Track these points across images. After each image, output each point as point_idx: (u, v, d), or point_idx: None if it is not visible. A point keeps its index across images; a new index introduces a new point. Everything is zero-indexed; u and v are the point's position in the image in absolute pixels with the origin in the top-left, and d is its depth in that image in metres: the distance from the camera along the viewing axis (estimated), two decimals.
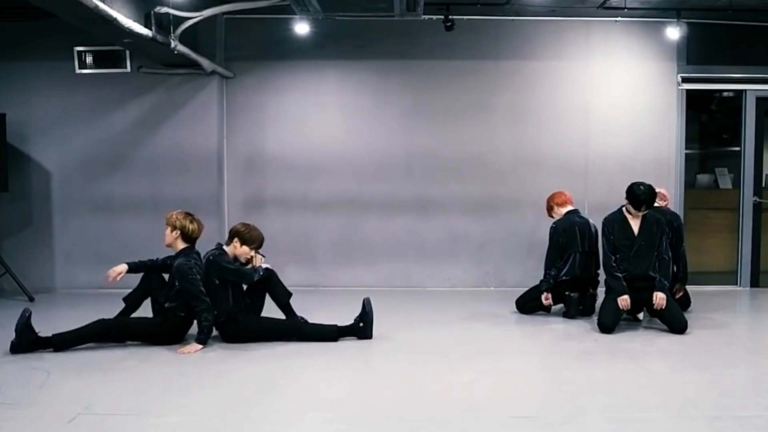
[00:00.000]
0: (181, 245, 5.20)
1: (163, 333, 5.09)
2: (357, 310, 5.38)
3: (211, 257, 5.19)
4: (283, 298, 5.43)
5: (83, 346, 4.98)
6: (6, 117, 6.94)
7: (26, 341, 4.83)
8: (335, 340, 5.23)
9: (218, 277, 5.14)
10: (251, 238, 5.28)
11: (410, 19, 7.08)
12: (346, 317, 5.38)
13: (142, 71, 7.38)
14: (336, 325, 5.29)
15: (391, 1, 5.95)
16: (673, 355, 5.03)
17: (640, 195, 5.65)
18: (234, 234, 5.30)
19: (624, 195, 5.80)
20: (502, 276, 7.70)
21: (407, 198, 7.68)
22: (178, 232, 5.18)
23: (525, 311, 6.31)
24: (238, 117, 7.65)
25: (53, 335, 4.91)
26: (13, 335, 4.85)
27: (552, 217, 6.38)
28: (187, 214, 5.24)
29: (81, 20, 5.42)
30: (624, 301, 5.61)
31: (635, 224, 5.76)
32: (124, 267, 5.24)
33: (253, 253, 5.31)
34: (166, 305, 5.11)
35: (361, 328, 5.29)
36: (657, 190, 5.85)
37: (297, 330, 5.26)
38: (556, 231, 6.19)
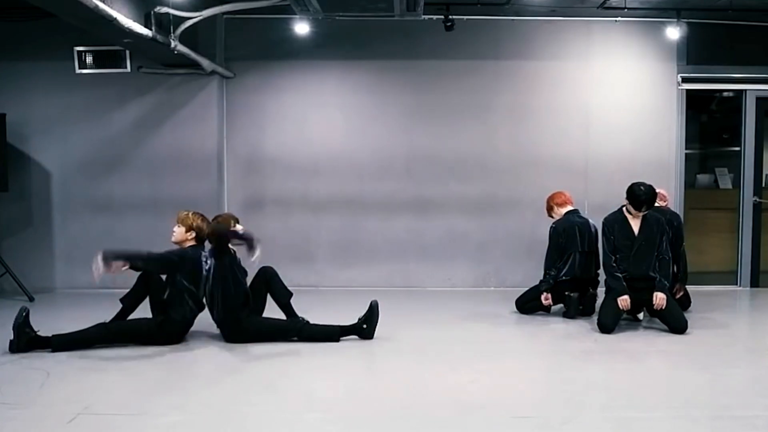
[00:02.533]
0: (190, 244, 5.25)
1: (164, 332, 5.08)
2: (357, 310, 5.38)
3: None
4: (283, 297, 5.45)
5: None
6: (6, 117, 6.94)
7: (24, 340, 4.83)
8: (337, 340, 5.23)
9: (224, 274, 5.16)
10: (222, 225, 5.34)
11: (410, 19, 7.08)
12: (346, 317, 5.37)
13: (142, 71, 7.38)
14: (339, 326, 5.29)
15: (391, 1, 5.95)
16: (673, 355, 5.03)
17: (640, 195, 5.64)
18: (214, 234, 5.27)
19: (624, 195, 5.80)
20: (502, 276, 7.70)
21: (407, 198, 7.68)
22: (194, 233, 5.23)
23: (525, 311, 6.31)
24: (238, 117, 7.65)
25: (53, 336, 4.90)
26: (13, 335, 4.85)
27: (552, 217, 6.38)
28: (201, 216, 5.31)
29: (81, 20, 5.42)
30: (624, 301, 5.61)
31: (635, 224, 5.76)
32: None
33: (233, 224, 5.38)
34: (165, 297, 5.13)
35: (365, 329, 5.28)
36: (657, 191, 5.85)
37: (299, 330, 5.26)
38: (555, 231, 6.19)
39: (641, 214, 5.74)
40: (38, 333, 4.89)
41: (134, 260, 5.00)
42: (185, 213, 5.30)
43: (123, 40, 6.18)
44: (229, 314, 5.15)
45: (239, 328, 5.17)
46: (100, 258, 4.74)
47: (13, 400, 3.88)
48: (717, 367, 4.62)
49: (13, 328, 4.84)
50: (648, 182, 5.75)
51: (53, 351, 4.85)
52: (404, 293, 7.36)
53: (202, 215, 5.34)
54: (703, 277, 7.60)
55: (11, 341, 4.85)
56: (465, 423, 3.60)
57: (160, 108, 7.46)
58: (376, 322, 5.30)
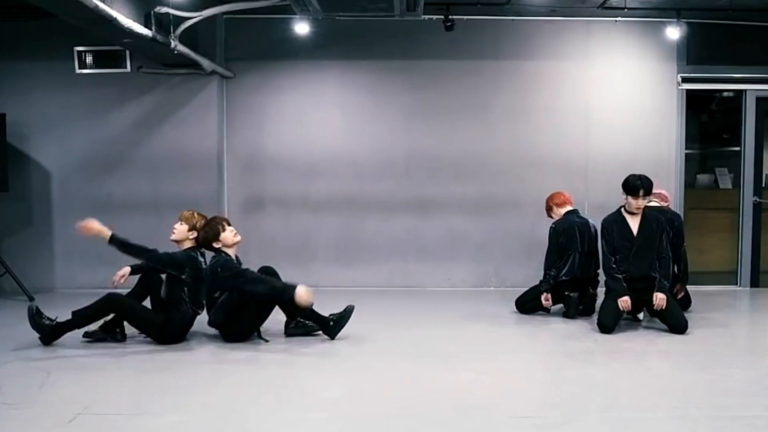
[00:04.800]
0: (189, 244, 5.26)
1: (165, 332, 5.09)
2: (356, 310, 5.39)
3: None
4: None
5: (85, 346, 5.04)
6: (6, 117, 6.94)
7: (47, 331, 4.97)
8: (288, 299, 5.01)
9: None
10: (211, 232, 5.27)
11: (410, 19, 7.08)
12: None
13: (142, 71, 7.38)
14: (314, 311, 5.25)
15: (391, 1, 5.95)
16: (673, 355, 5.03)
17: (635, 181, 5.60)
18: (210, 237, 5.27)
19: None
20: (502, 276, 7.69)
21: (407, 198, 7.68)
22: (196, 233, 5.24)
23: (525, 311, 6.31)
24: (238, 117, 7.65)
25: (72, 313, 5.02)
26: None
27: (551, 217, 6.38)
28: (204, 217, 5.31)
29: (81, 20, 5.42)
30: (624, 302, 5.60)
31: (634, 224, 5.75)
32: (126, 269, 5.32)
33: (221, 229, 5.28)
34: (164, 297, 5.15)
35: (331, 327, 5.27)
36: (657, 191, 5.84)
37: (282, 290, 5.08)
38: (555, 232, 6.19)
39: (640, 211, 5.70)
40: (57, 320, 5.02)
41: (140, 255, 5.06)
42: (190, 212, 5.32)
43: (123, 40, 6.18)
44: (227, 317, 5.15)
45: (238, 326, 5.16)
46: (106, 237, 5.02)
47: (13, 400, 3.88)
48: (717, 367, 4.62)
49: (32, 327, 4.96)
50: None
51: (78, 328, 5.02)
52: (404, 293, 7.36)
53: (204, 216, 5.34)
54: (703, 277, 7.60)
55: (39, 337, 4.99)
56: (465, 423, 3.60)
57: (160, 108, 7.46)
58: (343, 325, 5.27)
